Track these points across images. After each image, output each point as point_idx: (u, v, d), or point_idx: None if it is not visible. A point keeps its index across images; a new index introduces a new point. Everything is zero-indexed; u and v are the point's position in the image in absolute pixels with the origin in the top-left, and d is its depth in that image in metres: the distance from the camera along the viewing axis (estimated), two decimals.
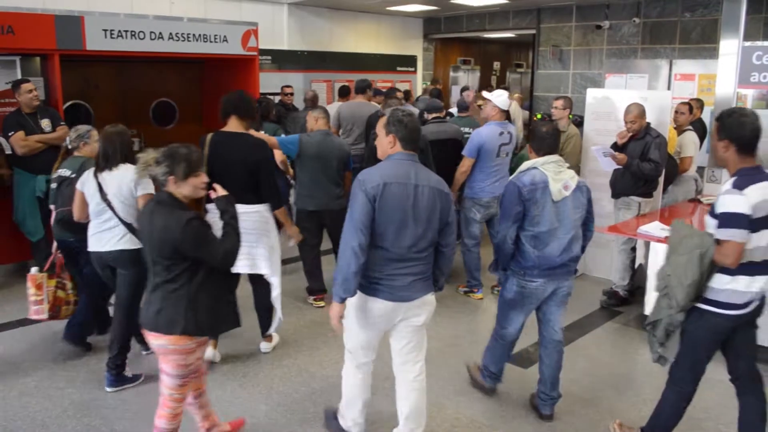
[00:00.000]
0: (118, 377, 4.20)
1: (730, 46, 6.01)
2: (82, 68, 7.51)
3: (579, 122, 7.46)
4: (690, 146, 6.40)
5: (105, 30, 6.49)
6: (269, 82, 8.76)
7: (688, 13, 8.77)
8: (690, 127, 6.56)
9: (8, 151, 5.92)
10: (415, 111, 5.87)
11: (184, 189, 3.02)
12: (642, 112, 5.50)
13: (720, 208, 2.97)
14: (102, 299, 4.74)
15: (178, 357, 3.04)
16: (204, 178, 3.06)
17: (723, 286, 3.05)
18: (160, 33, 6.90)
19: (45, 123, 5.95)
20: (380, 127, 3.24)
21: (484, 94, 5.86)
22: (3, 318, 5.32)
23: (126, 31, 6.64)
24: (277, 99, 8.77)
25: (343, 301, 3.12)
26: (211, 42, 7.32)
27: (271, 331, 4.71)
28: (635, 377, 4.52)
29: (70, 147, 4.61)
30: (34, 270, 4.51)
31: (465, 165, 5.59)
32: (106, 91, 7.96)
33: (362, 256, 3.01)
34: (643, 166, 5.42)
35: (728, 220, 2.92)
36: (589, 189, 3.73)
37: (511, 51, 15.61)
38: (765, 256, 3.01)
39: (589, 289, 6.10)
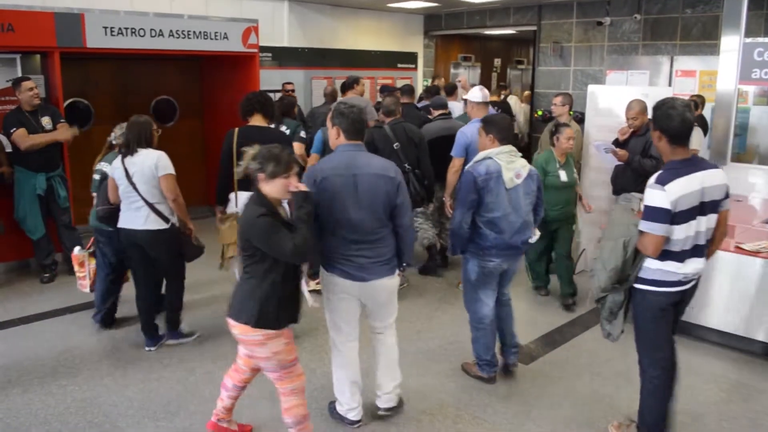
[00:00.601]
0: (175, 332, 4.83)
1: (731, 43, 5.99)
2: (82, 66, 7.51)
3: (580, 119, 7.45)
4: (692, 142, 6.39)
5: (105, 27, 6.49)
6: (270, 79, 8.74)
7: (689, 9, 8.76)
8: (696, 124, 6.54)
9: (9, 149, 5.92)
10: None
11: (271, 187, 3.08)
12: (643, 109, 5.50)
13: (644, 201, 3.10)
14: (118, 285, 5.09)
15: (252, 348, 3.18)
16: (294, 181, 3.10)
17: (654, 266, 3.19)
18: (161, 30, 6.90)
19: (46, 121, 5.96)
20: (328, 120, 3.54)
21: (462, 96, 5.88)
22: (5, 315, 5.33)
23: (126, 29, 6.65)
24: (278, 96, 8.76)
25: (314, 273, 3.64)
26: (211, 39, 7.32)
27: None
28: (635, 373, 4.50)
29: (114, 142, 4.87)
30: (76, 250, 4.97)
31: (455, 165, 5.54)
32: (107, 89, 7.97)
33: (316, 239, 3.41)
34: (645, 162, 5.41)
35: (649, 213, 3.05)
36: (539, 177, 4.09)
37: (511, 47, 15.58)
38: (696, 242, 3.15)
39: (590, 286, 6.10)
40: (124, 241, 4.59)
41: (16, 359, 4.56)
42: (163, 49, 7.00)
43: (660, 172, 3.11)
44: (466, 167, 4.07)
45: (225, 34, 7.42)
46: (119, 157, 4.47)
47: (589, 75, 9.86)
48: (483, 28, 11.73)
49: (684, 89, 7.90)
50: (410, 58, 11.55)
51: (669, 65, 8.36)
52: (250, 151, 3.15)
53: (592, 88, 6.65)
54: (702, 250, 3.20)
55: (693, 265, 3.18)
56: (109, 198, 4.57)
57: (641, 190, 5.50)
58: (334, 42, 10.57)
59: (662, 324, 3.29)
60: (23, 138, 5.77)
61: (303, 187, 3.11)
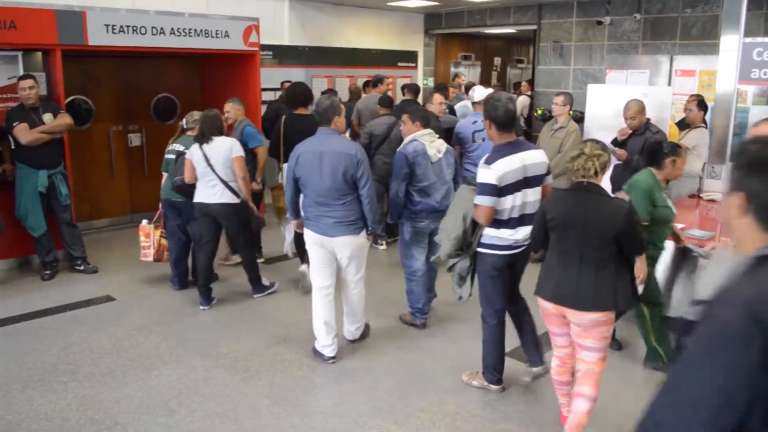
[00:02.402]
0: (258, 286, 5.72)
1: (730, 42, 6.00)
2: (83, 63, 7.52)
3: (579, 118, 7.47)
4: (692, 140, 6.41)
5: (107, 25, 6.51)
6: (270, 77, 8.76)
7: (689, 9, 8.77)
8: (703, 125, 6.53)
9: (12, 146, 5.93)
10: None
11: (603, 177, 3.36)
12: (642, 108, 5.52)
13: (477, 179, 3.69)
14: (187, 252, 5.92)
15: (604, 329, 3.34)
16: None
17: (491, 234, 3.81)
18: (162, 28, 6.91)
19: (47, 117, 5.97)
20: None
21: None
22: (6, 312, 5.34)
23: (128, 27, 6.66)
24: (277, 95, 8.78)
25: (294, 218, 4.64)
26: (212, 37, 7.33)
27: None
28: (632, 370, 4.54)
29: (185, 127, 5.83)
30: (144, 222, 5.87)
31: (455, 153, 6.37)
32: (108, 86, 7.97)
33: (293, 196, 4.50)
34: (643, 161, 5.44)
35: (480, 189, 3.67)
36: (453, 152, 5.07)
37: (511, 46, 15.58)
38: (522, 212, 3.75)
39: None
40: (198, 213, 5.40)
41: (17, 356, 4.58)
42: (165, 47, 7.01)
43: (488, 154, 3.72)
44: (399, 148, 4.94)
45: (226, 32, 7.43)
46: (196, 144, 5.27)
47: (589, 74, 9.88)
48: (483, 27, 11.74)
49: (683, 89, 7.90)
50: (410, 56, 11.56)
51: (669, 65, 8.37)
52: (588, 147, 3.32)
53: (591, 87, 6.66)
54: (530, 218, 3.73)
55: (523, 232, 3.77)
56: (185, 177, 5.36)
57: None
58: (335, 40, 10.58)
59: (498, 282, 3.92)
60: (24, 132, 5.79)
61: None
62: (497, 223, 3.74)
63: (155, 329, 5.06)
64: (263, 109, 8.17)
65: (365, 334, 4.87)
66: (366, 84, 9.19)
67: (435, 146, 4.81)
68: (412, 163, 4.73)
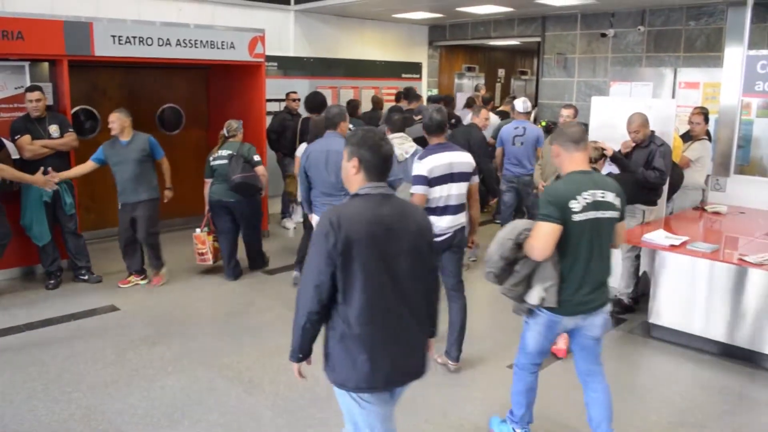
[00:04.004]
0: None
1: (734, 55, 6.01)
2: (90, 74, 7.56)
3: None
4: (694, 152, 6.40)
5: (113, 36, 6.56)
6: (275, 88, 8.79)
7: (693, 21, 8.79)
8: (705, 137, 6.53)
9: (15, 156, 5.96)
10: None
11: None
12: (645, 121, 5.51)
13: (412, 173, 4.32)
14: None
15: None
16: None
17: None
18: (168, 39, 6.96)
19: (53, 129, 6.00)
20: None
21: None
22: (10, 322, 5.35)
23: (134, 37, 6.71)
24: (282, 105, 8.81)
25: (310, 212, 5.46)
26: (218, 48, 7.37)
27: None
28: (640, 384, 4.52)
29: (227, 135, 6.40)
30: (198, 230, 6.48)
31: (497, 152, 7.57)
32: (114, 97, 8.00)
33: (305, 193, 5.34)
34: (648, 174, 5.43)
35: (414, 180, 4.28)
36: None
37: (515, 58, 15.62)
38: (447, 203, 4.33)
39: None
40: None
41: (21, 366, 4.58)
42: (170, 58, 7.05)
43: (422, 152, 4.40)
44: None
45: (231, 43, 7.48)
46: (305, 144, 6.18)
47: (593, 86, 9.89)
48: (487, 39, 11.78)
49: (687, 101, 7.90)
50: (415, 68, 11.61)
51: (672, 77, 8.39)
52: None
53: (595, 99, 6.66)
54: (454, 209, 4.36)
55: (446, 220, 4.33)
56: (237, 173, 6.15)
57: (644, 202, 5.63)
58: (340, 52, 10.62)
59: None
60: (26, 147, 5.83)
61: None
62: (426, 210, 4.21)
63: (159, 339, 5.06)
64: (268, 120, 8.20)
65: None
66: (402, 94, 9.55)
67: (403, 148, 5.51)
68: None
